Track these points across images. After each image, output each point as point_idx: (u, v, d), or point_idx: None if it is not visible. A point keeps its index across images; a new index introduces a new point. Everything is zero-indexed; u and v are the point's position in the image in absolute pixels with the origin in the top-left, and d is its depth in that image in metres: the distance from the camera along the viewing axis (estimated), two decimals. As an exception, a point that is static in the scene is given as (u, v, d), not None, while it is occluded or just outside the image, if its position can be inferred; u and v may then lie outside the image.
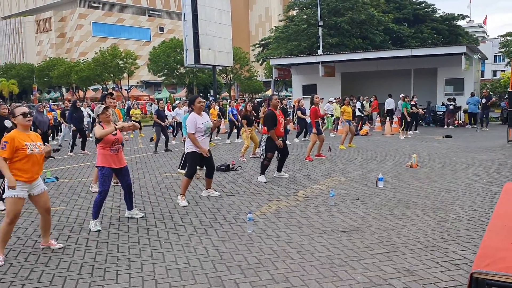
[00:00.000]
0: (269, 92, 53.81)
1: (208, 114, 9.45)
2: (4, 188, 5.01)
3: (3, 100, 43.76)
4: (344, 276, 4.25)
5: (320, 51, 30.55)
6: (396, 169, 10.21)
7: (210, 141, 16.19)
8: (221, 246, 5.16)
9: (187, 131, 7.42)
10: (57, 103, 35.16)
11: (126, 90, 61.43)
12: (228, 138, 17.61)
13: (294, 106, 20.64)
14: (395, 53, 25.58)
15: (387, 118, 20.82)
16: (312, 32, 35.26)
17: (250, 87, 62.86)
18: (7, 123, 8.31)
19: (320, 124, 11.94)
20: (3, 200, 6.46)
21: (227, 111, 20.69)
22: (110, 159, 6.03)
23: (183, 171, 8.73)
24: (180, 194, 7.39)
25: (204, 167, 7.83)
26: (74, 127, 14.73)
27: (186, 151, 7.53)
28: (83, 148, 14.85)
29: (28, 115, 4.96)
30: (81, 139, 14.93)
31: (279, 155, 9.47)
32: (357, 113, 20.20)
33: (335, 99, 19.65)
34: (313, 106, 11.80)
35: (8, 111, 9.58)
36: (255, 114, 14.21)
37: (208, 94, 54.85)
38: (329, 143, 14.23)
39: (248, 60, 57.95)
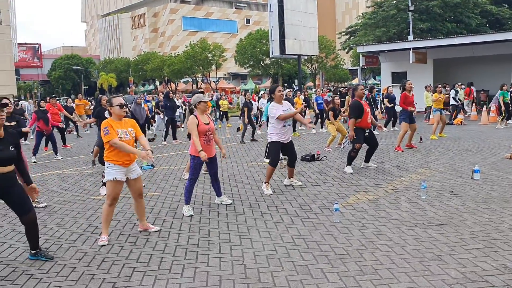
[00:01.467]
0: (355, 81, 52.60)
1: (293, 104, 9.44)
2: (104, 173, 5.43)
3: (103, 93, 47.07)
4: (437, 270, 4.09)
5: (410, 37, 29.25)
6: (494, 160, 9.55)
7: (294, 131, 16.27)
8: (308, 236, 5.19)
9: (270, 119, 7.53)
10: (153, 95, 37.06)
11: (214, 82, 63.31)
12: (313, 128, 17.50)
13: (382, 94, 20.01)
14: (493, 37, 23.75)
15: (484, 107, 19.45)
16: (401, 17, 33.83)
17: (335, 76, 61.88)
18: (107, 114, 9.02)
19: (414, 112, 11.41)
20: (104, 184, 7.02)
21: (312, 100, 20.57)
22: (203, 149, 6.27)
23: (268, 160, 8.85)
24: (265, 183, 7.53)
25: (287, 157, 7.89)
26: (167, 116, 15.49)
27: (268, 140, 7.63)
28: (174, 138, 15.57)
29: (124, 107, 5.32)
30: (172, 129, 15.66)
31: (352, 145, 9.00)
32: (451, 101, 19.10)
33: (426, 87, 18.73)
34: (404, 92, 11.35)
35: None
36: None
37: (293, 84, 54.85)
38: (420, 133, 13.64)
39: (334, 48, 56.99)
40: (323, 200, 6.80)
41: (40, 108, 12.54)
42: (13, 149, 4.50)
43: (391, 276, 4.00)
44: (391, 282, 3.89)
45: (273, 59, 50.50)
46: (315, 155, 10.52)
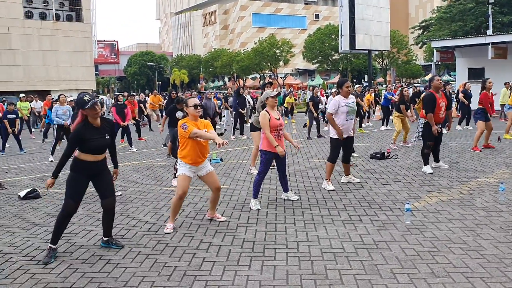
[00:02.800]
0: (428, 77, 50.50)
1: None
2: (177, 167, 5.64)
3: (175, 89, 48.69)
4: (516, 278, 3.87)
5: (489, 31, 27.63)
6: None
7: (360, 127, 15.95)
8: (377, 235, 5.09)
9: (328, 110, 7.44)
10: (223, 91, 37.83)
11: (281, 78, 63.41)
12: (382, 125, 17.05)
13: (458, 90, 19.06)
14: None
15: None
16: (480, 11, 32.06)
17: (407, 71, 59.78)
18: (178, 115, 9.43)
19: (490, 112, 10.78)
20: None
21: (382, 96, 20.02)
22: (272, 144, 6.33)
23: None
24: (326, 179, 7.48)
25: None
26: (235, 111, 15.76)
27: (330, 136, 7.55)
28: (241, 133, 15.80)
29: (199, 107, 5.49)
30: (239, 124, 15.91)
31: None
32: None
33: (505, 83, 17.61)
34: (484, 91, 10.75)
35: (176, 95, 10.83)
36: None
37: (362, 80, 53.71)
38: (498, 133, 12.88)
39: (406, 43, 55.08)
40: (393, 199, 6.63)
41: (118, 102, 13.23)
42: (108, 137, 4.82)
43: (465, 281, 3.83)
44: (465, 286, 3.73)
45: (342, 54, 49.75)
46: (385, 153, 10.25)
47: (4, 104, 14.81)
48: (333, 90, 17.47)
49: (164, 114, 11.64)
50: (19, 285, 4.07)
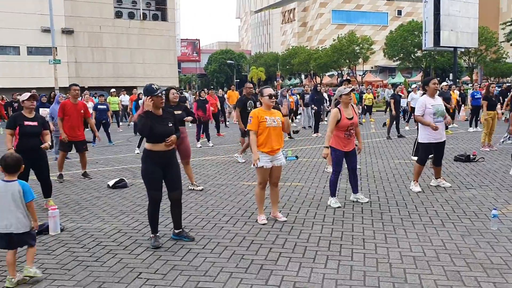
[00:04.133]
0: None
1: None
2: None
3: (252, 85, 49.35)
4: None
5: None
6: None
7: (447, 128, 15.20)
8: (460, 241, 4.87)
9: (415, 112, 7.18)
10: (299, 89, 37.78)
11: (360, 75, 62.05)
12: (470, 126, 16.13)
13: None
14: None
15: None
16: None
17: (496, 70, 55.99)
18: (249, 104, 9.70)
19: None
20: None
21: (469, 95, 19.00)
22: (342, 143, 6.28)
23: (416, 158, 8.45)
24: (413, 181, 7.24)
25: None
26: (315, 108, 15.71)
27: (419, 140, 7.29)
28: (316, 131, 15.70)
29: (273, 97, 5.58)
30: (315, 122, 15.83)
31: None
32: None
33: None
34: None
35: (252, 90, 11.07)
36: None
37: (447, 79, 51.12)
38: None
39: (496, 40, 51.59)
40: (479, 204, 6.29)
41: (200, 98, 13.73)
42: (171, 125, 5.00)
43: (560, 296, 3.57)
44: (560, 302, 3.48)
45: (425, 52, 47.72)
46: (471, 156, 9.73)
47: (93, 97, 15.92)
48: (413, 86, 16.80)
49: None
50: (108, 268, 4.38)
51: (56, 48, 26.30)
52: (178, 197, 5.12)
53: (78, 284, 4.03)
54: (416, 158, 7.65)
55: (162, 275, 4.19)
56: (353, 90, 6.63)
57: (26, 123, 6.28)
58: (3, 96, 26.95)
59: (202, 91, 14.27)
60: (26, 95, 6.36)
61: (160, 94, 4.88)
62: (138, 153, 12.14)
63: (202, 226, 5.64)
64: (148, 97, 4.85)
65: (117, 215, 6.24)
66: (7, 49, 37.38)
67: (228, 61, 77.53)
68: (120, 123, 21.03)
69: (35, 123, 6.35)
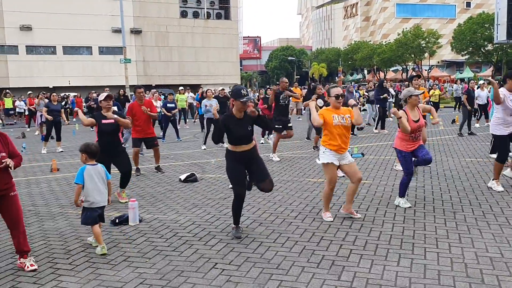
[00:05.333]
0: None
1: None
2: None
3: (314, 82, 49.03)
4: None
5: None
6: None
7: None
8: (541, 243, 4.67)
9: (494, 112, 6.88)
10: (364, 84, 37.18)
11: (426, 70, 59.91)
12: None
13: None
14: None
15: None
16: None
17: None
18: (320, 102, 9.76)
19: None
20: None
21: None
22: (407, 144, 6.10)
23: (494, 156, 8.11)
24: (494, 179, 6.98)
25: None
26: (379, 105, 15.45)
27: (492, 133, 7.01)
28: (382, 127, 15.42)
29: (340, 97, 5.59)
30: (381, 119, 15.53)
31: None
32: None
33: None
34: None
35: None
36: None
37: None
38: None
39: None
40: (561, 206, 5.98)
41: (266, 96, 13.91)
42: (250, 128, 5.19)
43: None
44: None
45: (496, 45, 45.22)
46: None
47: (160, 95, 16.56)
48: (481, 82, 16.02)
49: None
50: (186, 258, 4.61)
51: (126, 47, 27.52)
52: (269, 186, 5.25)
53: (158, 272, 4.28)
54: (494, 155, 7.35)
55: (236, 266, 4.36)
56: (423, 93, 6.45)
57: (103, 121, 6.72)
58: (79, 94, 28.62)
59: (268, 89, 14.48)
60: (103, 95, 6.82)
61: (246, 102, 5.04)
62: (204, 149, 12.54)
63: (271, 220, 5.77)
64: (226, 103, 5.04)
65: (190, 208, 6.51)
66: (80, 49, 39.57)
67: (289, 58, 77.45)
68: (187, 120, 21.72)
69: (112, 121, 6.76)
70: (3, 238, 5.37)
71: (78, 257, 4.70)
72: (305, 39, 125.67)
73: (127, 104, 14.91)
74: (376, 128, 15.45)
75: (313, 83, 18.58)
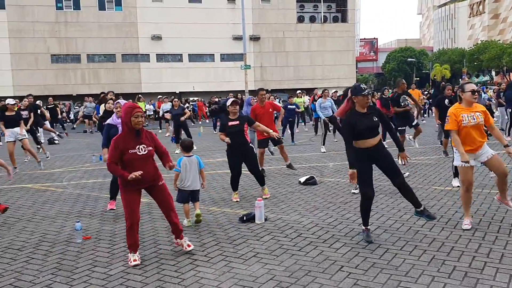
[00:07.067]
0: None
1: None
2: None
3: (438, 84, 46.45)
4: None
5: None
6: None
7: None
8: None
9: None
10: (491, 86, 34.47)
11: None
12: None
13: None
14: None
15: None
16: None
17: None
18: (447, 103, 9.64)
19: None
20: (456, 176, 7.27)
21: None
22: None
23: None
24: None
25: None
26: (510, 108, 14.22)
27: None
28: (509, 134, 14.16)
29: (476, 93, 5.33)
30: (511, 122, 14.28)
31: None
32: None
33: None
34: None
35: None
36: None
37: None
38: None
39: None
40: None
41: (383, 96, 13.63)
42: (376, 119, 5.16)
43: None
44: None
45: None
46: None
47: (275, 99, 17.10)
48: None
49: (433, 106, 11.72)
50: (311, 258, 4.74)
51: (246, 54, 28.65)
52: (402, 182, 5.23)
53: (287, 270, 4.47)
54: None
55: (363, 270, 4.38)
56: None
57: (230, 123, 7.24)
58: (201, 98, 30.45)
59: (386, 89, 14.13)
60: (230, 100, 7.45)
61: (367, 94, 5.07)
62: (324, 151, 12.65)
63: (396, 228, 5.67)
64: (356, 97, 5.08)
65: (311, 210, 6.64)
66: (203, 56, 42.04)
67: (409, 59, 74.26)
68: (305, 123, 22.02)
69: (237, 122, 7.26)
70: (146, 229, 5.98)
71: (212, 250, 5.08)
72: (426, 39, 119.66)
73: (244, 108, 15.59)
74: (508, 135, 14.23)
75: (443, 82, 17.67)
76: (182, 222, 5.60)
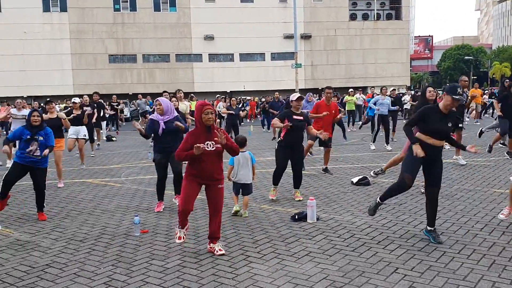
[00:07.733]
0: None
1: None
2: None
3: (493, 83, 44.44)
4: None
5: None
6: None
7: None
8: None
9: None
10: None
11: None
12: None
13: None
14: None
15: None
16: None
17: None
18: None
19: None
20: None
21: None
22: None
23: None
24: None
25: None
26: None
27: None
28: None
29: None
30: None
31: None
32: None
33: None
34: None
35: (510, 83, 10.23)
36: None
37: None
38: None
39: None
40: None
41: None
42: (450, 125, 5.06)
43: None
44: None
45: None
46: None
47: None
48: None
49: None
50: (365, 259, 4.70)
51: (297, 53, 28.58)
52: (434, 194, 5.15)
53: (340, 270, 4.45)
54: None
55: (419, 273, 4.30)
56: None
57: (294, 117, 7.30)
58: (254, 98, 30.69)
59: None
60: (295, 96, 7.51)
61: (457, 99, 4.96)
62: (374, 149, 12.49)
63: (453, 231, 5.51)
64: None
65: (365, 211, 6.56)
66: (254, 56, 42.33)
67: (466, 57, 71.38)
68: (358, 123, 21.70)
69: (301, 118, 7.39)
70: (202, 224, 6.12)
71: (265, 247, 5.14)
72: (484, 36, 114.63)
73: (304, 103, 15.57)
74: None
75: (507, 80, 16.87)
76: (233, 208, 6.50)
